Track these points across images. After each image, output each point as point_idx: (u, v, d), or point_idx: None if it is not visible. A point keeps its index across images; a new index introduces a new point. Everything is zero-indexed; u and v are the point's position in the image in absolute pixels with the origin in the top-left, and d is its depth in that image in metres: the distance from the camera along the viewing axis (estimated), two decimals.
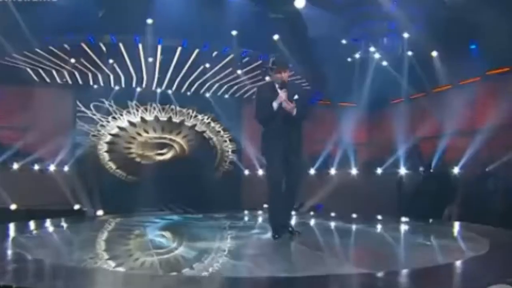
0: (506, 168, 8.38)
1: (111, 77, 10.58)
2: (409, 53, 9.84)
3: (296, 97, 4.41)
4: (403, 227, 6.74)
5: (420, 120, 10.70)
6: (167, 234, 5.53)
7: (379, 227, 6.62)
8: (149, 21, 8.78)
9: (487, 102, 9.68)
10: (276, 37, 9.54)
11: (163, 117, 11.67)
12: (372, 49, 9.80)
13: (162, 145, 11.63)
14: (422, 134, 10.53)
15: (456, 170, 9.41)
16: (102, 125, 11.34)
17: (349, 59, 10.54)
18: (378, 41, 9.64)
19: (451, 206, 8.74)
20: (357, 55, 10.27)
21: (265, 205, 9.97)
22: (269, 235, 4.62)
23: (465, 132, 9.52)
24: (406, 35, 9.33)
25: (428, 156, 10.30)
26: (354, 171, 11.27)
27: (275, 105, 4.30)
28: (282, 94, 4.27)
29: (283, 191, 4.37)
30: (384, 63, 10.26)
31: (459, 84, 10.18)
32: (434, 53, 9.74)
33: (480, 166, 9.08)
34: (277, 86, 4.46)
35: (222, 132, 12.28)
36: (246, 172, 11.99)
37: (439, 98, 10.38)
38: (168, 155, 11.67)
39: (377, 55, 9.94)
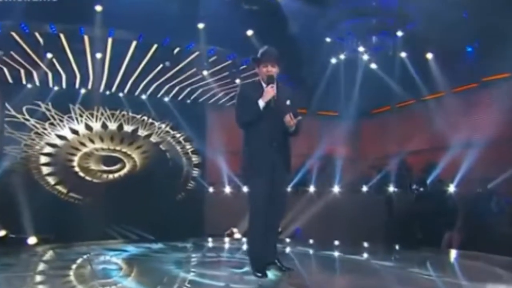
0: (509, 185, 8.44)
1: (49, 75, 10.01)
2: (403, 54, 9.83)
3: (288, 102, 4.18)
4: (402, 258, 6.42)
5: (410, 131, 10.85)
6: (121, 273, 4.76)
7: (374, 258, 6.26)
8: (98, 8, 8.33)
9: (484, 111, 9.86)
10: (249, 32, 9.26)
11: (113, 125, 11.26)
12: (361, 49, 9.81)
13: (111, 159, 11.18)
14: (412, 147, 10.56)
15: (451, 188, 9.51)
16: (37, 133, 10.73)
17: (333, 60, 10.42)
18: (366, 40, 9.69)
19: (451, 231, 8.55)
20: (342, 56, 10.24)
21: (234, 230, 9.83)
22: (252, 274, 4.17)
23: (461, 145, 9.59)
24: (400, 33, 9.35)
25: (419, 172, 10.45)
26: (336, 189, 11.02)
27: (261, 103, 4.04)
28: (270, 89, 4.02)
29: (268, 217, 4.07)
30: (373, 65, 10.31)
31: (452, 91, 10.30)
32: (430, 55, 9.78)
33: (480, 183, 9.12)
34: (264, 85, 4.18)
35: (183, 143, 11.92)
36: (211, 189, 11.68)
37: (431, 106, 10.48)
38: (119, 173, 11.20)
39: (365, 57, 9.97)
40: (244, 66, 10.23)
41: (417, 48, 9.51)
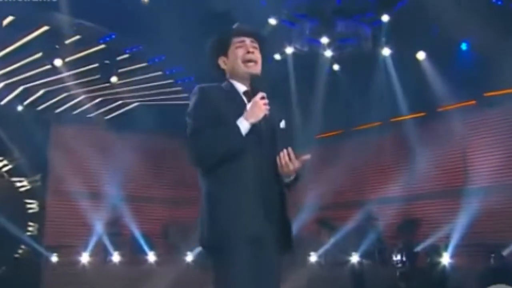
0: None
1: None
2: (386, 51, 9.58)
3: (282, 124, 3.64)
4: None
5: (375, 168, 10.89)
6: None
7: None
8: None
9: (486, 141, 9.82)
10: None
11: None
12: (323, 40, 9.22)
13: None
14: (380, 192, 10.57)
15: (446, 258, 9.22)
16: None
17: (276, 56, 9.97)
18: (330, 26, 9.07)
19: None
20: (289, 50, 9.66)
21: None
22: None
23: (452, 191, 9.75)
24: (385, 17, 8.91)
25: (394, 231, 10.26)
26: None
27: (244, 125, 3.47)
28: (260, 102, 3.47)
29: None
30: (335, 66, 9.97)
31: (437, 111, 10.27)
32: (422, 55, 9.64)
33: (488, 250, 8.78)
34: (239, 88, 3.62)
35: (7, 178, 11.28)
36: (54, 258, 10.93)
37: (406, 132, 10.47)
38: None
39: (327, 53, 9.50)
40: (126, 55, 9.75)
41: (408, 42, 9.34)
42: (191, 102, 3.62)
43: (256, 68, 3.57)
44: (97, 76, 10.11)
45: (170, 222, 11.91)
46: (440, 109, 10.15)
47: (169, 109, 10.42)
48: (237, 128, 3.41)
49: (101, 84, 10.32)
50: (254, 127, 3.46)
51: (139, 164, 10.90)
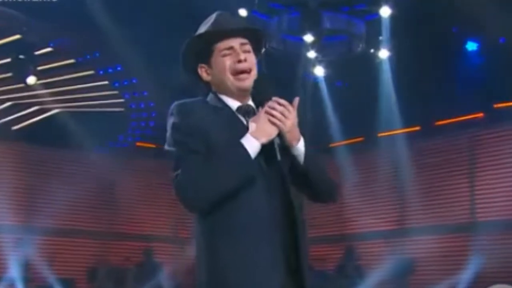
0: None
1: None
2: (384, 53, 9.80)
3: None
4: None
5: (362, 192, 11.24)
6: None
7: None
8: None
9: (496, 163, 10.14)
10: None
11: None
12: (306, 38, 9.48)
13: None
14: (366, 226, 11.00)
15: None
16: None
17: None
18: (314, 20, 9.29)
19: None
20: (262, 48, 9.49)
21: None
22: None
23: (457, 226, 10.15)
24: (386, 12, 9.09)
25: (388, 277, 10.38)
26: None
27: (252, 147, 3.17)
28: (273, 111, 3.15)
29: None
30: (319, 71, 10.07)
31: (433, 124, 10.66)
32: (424, 56, 9.72)
33: None
34: (231, 103, 3.36)
35: None
36: None
37: (398, 148, 10.75)
38: None
39: (310, 53, 9.77)
40: (49, 49, 9.79)
41: (410, 41, 9.48)
42: (169, 126, 3.22)
43: (250, 81, 3.21)
44: (8, 75, 10.08)
45: (99, 262, 11.52)
46: (439, 123, 10.57)
47: (102, 118, 10.23)
48: (244, 150, 3.08)
49: (13, 84, 10.27)
50: (265, 150, 3.15)
51: (60, 187, 10.52)
